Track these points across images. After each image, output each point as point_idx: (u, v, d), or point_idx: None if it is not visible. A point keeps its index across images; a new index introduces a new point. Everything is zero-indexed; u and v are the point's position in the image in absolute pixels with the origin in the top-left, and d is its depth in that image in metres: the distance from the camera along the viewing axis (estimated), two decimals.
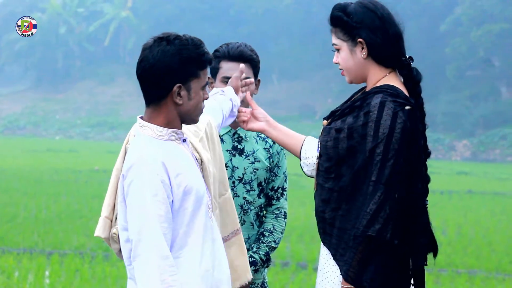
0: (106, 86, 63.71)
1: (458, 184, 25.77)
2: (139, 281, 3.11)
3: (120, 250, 3.35)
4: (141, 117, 3.30)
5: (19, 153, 36.30)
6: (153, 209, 3.12)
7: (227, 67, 4.22)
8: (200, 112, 3.31)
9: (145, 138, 3.25)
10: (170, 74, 3.20)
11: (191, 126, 3.47)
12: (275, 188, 4.38)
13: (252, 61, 4.27)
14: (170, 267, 3.10)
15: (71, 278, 10.12)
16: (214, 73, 4.28)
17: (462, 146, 43.86)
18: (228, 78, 4.19)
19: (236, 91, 3.93)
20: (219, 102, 3.79)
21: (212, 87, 4.28)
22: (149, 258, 3.09)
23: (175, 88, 3.21)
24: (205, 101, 3.35)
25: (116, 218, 3.34)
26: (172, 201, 3.18)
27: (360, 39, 3.52)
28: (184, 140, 3.34)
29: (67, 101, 62.05)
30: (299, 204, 17.77)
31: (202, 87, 3.28)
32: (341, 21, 3.55)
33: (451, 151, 43.67)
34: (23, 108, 61.35)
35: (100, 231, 3.37)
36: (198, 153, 3.41)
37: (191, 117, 3.30)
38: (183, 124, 3.34)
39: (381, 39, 3.52)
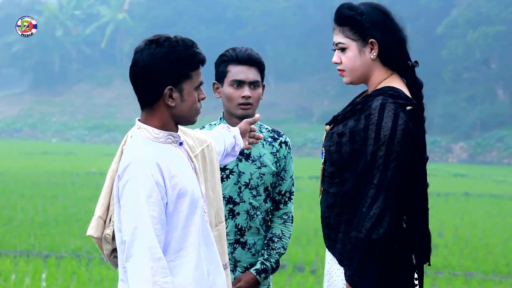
0: (102, 89, 63.66)
1: (455, 186, 25.76)
2: (132, 282, 3.11)
3: (111, 252, 3.35)
4: (139, 119, 3.29)
5: (15, 155, 36.23)
6: (146, 210, 3.10)
7: (235, 71, 4.19)
8: (197, 112, 3.28)
9: (142, 139, 3.24)
10: (160, 76, 3.17)
11: (189, 141, 3.43)
12: (283, 192, 4.33)
13: (260, 64, 4.26)
14: (162, 268, 3.10)
15: (68, 281, 10.11)
16: (222, 78, 4.23)
17: (459, 148, 43.86)
18: (238, 81, 4.18)
19: (243, 135, 3.84)
20: (222, 134, 3.73)
21: (218, 92, 4.24)
22: (142, 259, 3.08)
23: (166, 90, 3.19)
24: (209, 130, 3.24)
25: (110, 220, 3.32)
26: (167, 203, 3.17)
27: (372, 40, 3.51)
28: (181, 144, 3.32)
29: (63, 103, 61.98)
30: (296, 207, 17.74)
31: (195, 87, 3.25)
32: (353, 20, 3.52)
33: (447, 153, 43.68)
34: (20, 110, 61.27)
35: (92, 230, 3.34)
36: (193, 161, 3.38)
37: (186, 119, 3.27)
38: (180, 131, 3.32)
39: (392, 41, 3.51)
